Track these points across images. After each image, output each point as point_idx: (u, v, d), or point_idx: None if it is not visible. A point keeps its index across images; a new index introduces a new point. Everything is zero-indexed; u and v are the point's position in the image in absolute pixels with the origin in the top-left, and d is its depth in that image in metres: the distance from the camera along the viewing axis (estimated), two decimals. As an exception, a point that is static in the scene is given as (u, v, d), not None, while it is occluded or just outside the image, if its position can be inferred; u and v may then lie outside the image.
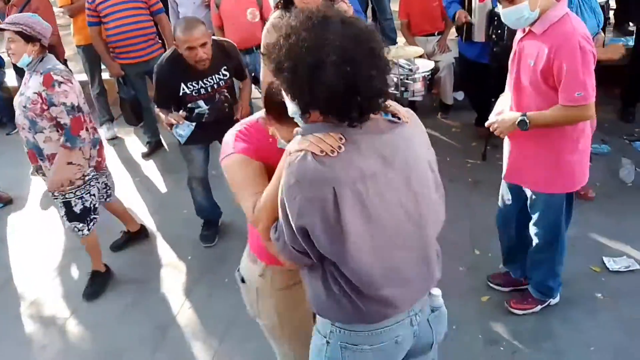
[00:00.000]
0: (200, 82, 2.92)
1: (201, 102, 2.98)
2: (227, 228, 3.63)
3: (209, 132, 3.06)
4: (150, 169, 4.52)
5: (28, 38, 2.61)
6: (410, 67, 3.87)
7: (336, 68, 1.16)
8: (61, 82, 2.66)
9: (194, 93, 2.93)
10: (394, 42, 4.91)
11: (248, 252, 1.79)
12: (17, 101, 2.76)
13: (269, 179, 1.43)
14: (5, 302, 3.19)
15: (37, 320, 3.04)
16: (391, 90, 3.65)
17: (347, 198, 1.23)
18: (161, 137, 4.80)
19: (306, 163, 1.22)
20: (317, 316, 1.50)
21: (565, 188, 2.34)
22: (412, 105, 4.53)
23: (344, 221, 1.24)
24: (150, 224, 3.75)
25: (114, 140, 5.04)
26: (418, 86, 3.86)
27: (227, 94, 3.10)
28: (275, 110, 1.44)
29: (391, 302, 1.37)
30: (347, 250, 1.27)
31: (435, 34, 4.69)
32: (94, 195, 3.00)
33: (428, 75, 3.91)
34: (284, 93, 1.28)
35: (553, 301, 2.67)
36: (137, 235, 3.54)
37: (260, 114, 1.60)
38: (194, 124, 2.97)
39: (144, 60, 4.17)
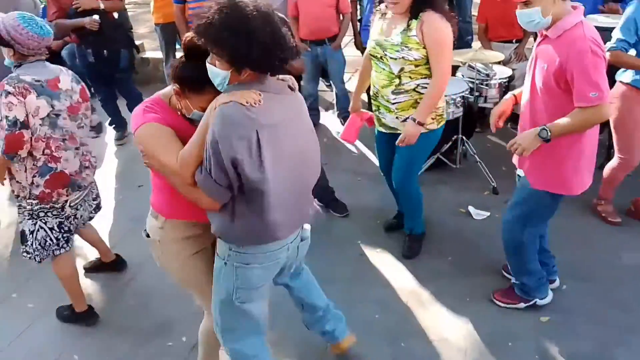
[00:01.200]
0: None
1: None
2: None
3: None
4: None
5: (2, 41, 2.42)
6: (487, 72, 3.77)
7: (264, 32, 1.58)
8: (9, 93, 2.36)
9: None
10: (469, 46, 4.80)
11: (151, 210, 2.06)
12: None
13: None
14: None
15: (96, 284, 3.17)
16: (466, 94, 3.61)
17: (265, 138, 1.65)
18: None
19: (237, 110, 1.62)
20: (217, 244, 1.90)
21: (554, 188, 2.35)
22: (481, 111, 4.43)
23: (263, 154, 1.65)
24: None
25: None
26: (493, 92, 3.75)
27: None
28: (191, 82, 1.75)
29: (279, 225, 1.80)
30: (264, 173, 1.67)
31: (513, 41, 4.56)
32: (41, 229, 2.65)
33: (504, 82, 3.80)
34: (217, 62, 1.64)
35: (540, 302, 2.69)
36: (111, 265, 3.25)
37: (158, 94, 1.92)
38: None
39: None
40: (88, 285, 3.14)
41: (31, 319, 2.94)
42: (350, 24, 4.66)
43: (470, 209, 3.56)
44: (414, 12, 2.57)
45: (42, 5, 4.93)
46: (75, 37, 4.45)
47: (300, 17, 4.46)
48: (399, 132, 2.84)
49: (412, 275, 3.04)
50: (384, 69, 2.74)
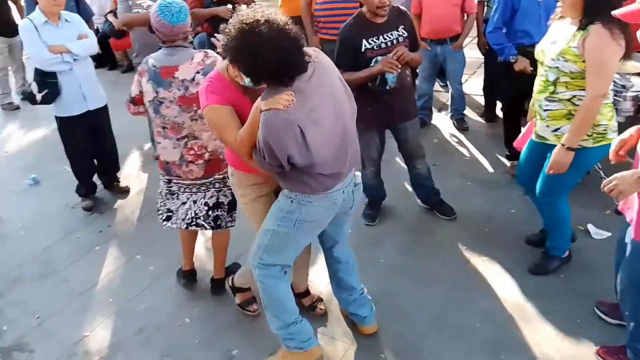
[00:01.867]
0: (380, 37, 3.06)
1: (379, 58, 3.03)
2: (388, 211, 3.68)
3: (392, 111, 3.21)
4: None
5: (150, 28, 2.65)
6: (622, 84, 3.49)
7: (270, 55, 1.86)
8: (138, 72, 2.68)
9: (374, 47, 3.05)
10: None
11: None
12: None
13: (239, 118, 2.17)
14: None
15: (210, 255, 3.38)
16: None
17: (307, 126, 1.94)
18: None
19: (277, 116, 1.90)
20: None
21: None
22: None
23: (309, 141, 1.96)
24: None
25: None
26: (627, 105, 3.46)
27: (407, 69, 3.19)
28: None
29: (334, 176, 2.14)
30: (311, 153, 1.98)
31: (656, 51, 4.17)
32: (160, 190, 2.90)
33: (642, 95, 3.50)
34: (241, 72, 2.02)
35: None
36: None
37: (217, 69, 2.26)
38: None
39: (340, 37, 4.34)
40: (202, 254, 3.38)
41: (150, 280, 3.22)
42: (475, 24, 4.53)
43: (590, 227, 3.33)
44: (584, 22, 2.40)
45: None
46: (208, 25, 4.76)
47: (424, 15, 4.43)
48: (547, 142, 2.69)
49: (520, 288, 2.91)
50: (542, 74, 2.62)
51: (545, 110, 2.63)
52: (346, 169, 2.20)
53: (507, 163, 4.04)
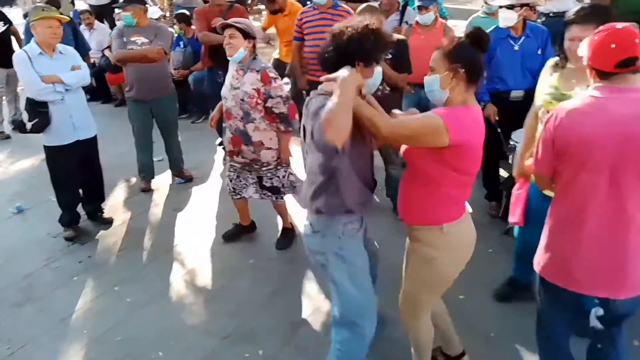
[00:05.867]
0: None
1: None
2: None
3: None
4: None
5: (246, 35, 3.14)
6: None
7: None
8: (275, 78, 3.19)
9: None
10: None
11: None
12: (230, 94, 3.26)
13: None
14: (167, 265, 3.61)
15: (189, 289, 3.38)
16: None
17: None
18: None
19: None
20: None
21: None
22: None
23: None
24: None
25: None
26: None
27: None
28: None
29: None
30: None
31: None
32: None
33: None
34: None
35: None
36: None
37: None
38: None
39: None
40: (180, 289, 3.36)
41: (127, 312, 3.18)
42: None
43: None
44: None
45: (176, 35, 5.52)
46: (208, 59, 4.96)
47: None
48: None
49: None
50: None
51: None
52: None
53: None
